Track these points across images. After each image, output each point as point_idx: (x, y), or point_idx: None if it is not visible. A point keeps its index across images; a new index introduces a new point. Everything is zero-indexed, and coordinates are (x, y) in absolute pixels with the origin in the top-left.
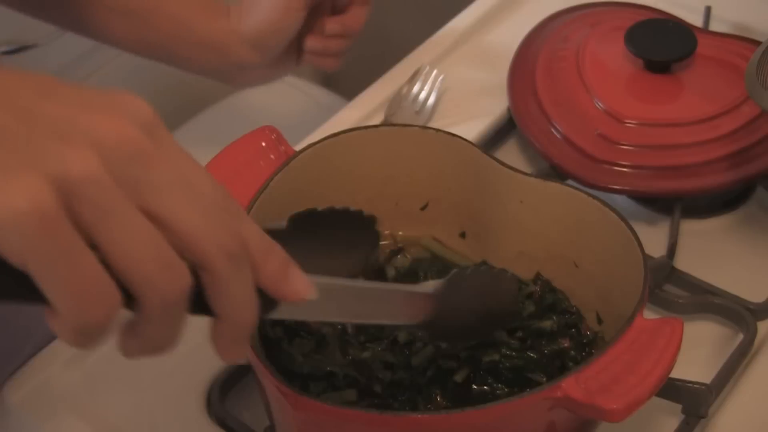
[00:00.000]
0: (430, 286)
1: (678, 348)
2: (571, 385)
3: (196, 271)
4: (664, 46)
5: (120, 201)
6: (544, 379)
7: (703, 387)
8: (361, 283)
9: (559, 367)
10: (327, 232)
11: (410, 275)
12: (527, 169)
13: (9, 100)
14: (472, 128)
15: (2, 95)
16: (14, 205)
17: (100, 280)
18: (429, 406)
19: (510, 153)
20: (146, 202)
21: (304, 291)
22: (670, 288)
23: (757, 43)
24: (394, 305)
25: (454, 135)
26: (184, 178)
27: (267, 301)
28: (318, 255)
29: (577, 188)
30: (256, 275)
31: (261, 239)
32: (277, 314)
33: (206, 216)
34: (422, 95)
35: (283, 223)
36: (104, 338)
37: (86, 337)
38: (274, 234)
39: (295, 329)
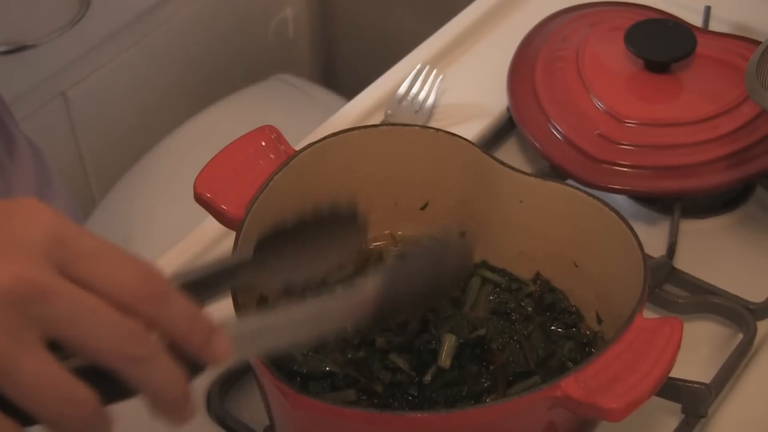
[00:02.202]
0: (370, 283)
1: (678, 347)
2: (571, 385)
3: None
4: (663, 46)
5: (20, 342)
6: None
7: (703, 387)
8: (294, 309)
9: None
10: (310, 235)
11: None
12: (527, 169)
13: None
14: (472, 128)
15: None
16: None
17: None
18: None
19: (510, 153)
20: (50, 331)
21: (224, 355)
22: (670, 288)
23: (757, 42)
24: (334, 316)
25: (453, 134)
26: (87, 298)
27: (193, 366)
28: (306, 260)
29: (576, 188)
30: (183, 347)
31: (186, 314)
32: (205, 372)
33: (112, 327)
34: (422, 95)
35: (249, 254)
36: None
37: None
38: (259, 254)
39: None
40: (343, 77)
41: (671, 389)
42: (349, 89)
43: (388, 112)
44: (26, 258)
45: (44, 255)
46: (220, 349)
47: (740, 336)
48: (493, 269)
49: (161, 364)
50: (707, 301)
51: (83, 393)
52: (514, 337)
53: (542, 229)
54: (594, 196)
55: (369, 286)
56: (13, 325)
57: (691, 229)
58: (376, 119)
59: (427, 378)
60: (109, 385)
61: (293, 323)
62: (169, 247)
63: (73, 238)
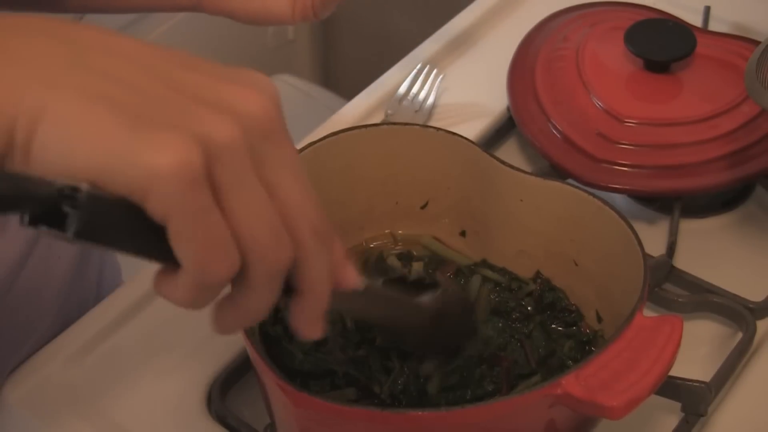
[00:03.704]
0: (431, 297)
1: (678, 345)
2: (571, 383)
3: None
4: (663, 46)
5: (250, 171)
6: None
7: (703, 385)
8: (388, 290)
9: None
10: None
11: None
12: (527, 169)
13: (148, 66)
14: (472, 128)
15: (139, 60)
16: (166, 161)
17: (227, 240)
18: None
19: (509, 152)
20: (266, 173)
21: (355, 281)
22: (670, 287)
23: (756, 42)
24: (406, 314)
25: (454, 134)
26: (295, 160)
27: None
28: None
29: (577, 187)
30: None
31: (331, 228)
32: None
33: (306, 196)
34: (422, 95)
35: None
36: (213, 300)
37: (202, 294)
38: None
39: None
40: (343, 78)
41: (671, 388)
42: (348, 90)
43: (389, 111)
44: (269, 99)
45: (278, 107)
46: (351, 273)
47: (740, 335)
48: (493, 268)
49: (327, 255)
50: (707, 300)
51: (288, 239)
52: (515, 336)
53: (542, 228)
54: (594, 195)
55: (431, 299)
56: (250, 152)
57: (691, 228)
58: (377, 119)
59: (432, 388)
60: None
61: (384, 300)
62: None
63: (276, 136)
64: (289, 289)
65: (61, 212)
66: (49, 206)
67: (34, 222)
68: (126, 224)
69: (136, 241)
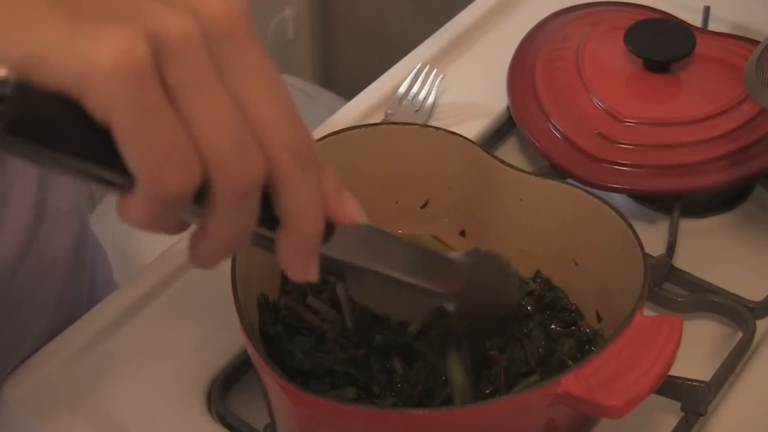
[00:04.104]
0: (462, 259)
1: (678, 344)
2: (572, 382)
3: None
4: (663, 46)
5: (210, 72)
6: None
7: (703, 385)
8: (402, 239)
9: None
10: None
11: None
12: (527, 169)
13: None
14: (472, 127)
15: None
16: (106, 51)
17: (182, 144)
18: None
19: (509, 152)
20: (231, 82)
21: (357, 214)
22: (670, 286)
23: (756, 42)
24: (430, 267)
25: (454, 133)
26: (267, 70)
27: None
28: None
29: (577, 186)
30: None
31: (320, 155)
32: (328, 247)
33: (281, 112)
34: (422, 94)
35: None
36: (175, 219)
37: (160, 212)
38: None
39: (296, 327)
40: (343, 78)
41: (671, 387)
42: (348, 90)
43: (389, 111)
44: (187, 16)
45: (245, 11)
46: (351, 206)
47: (739, 334)
48: None
49: (314, 181)
50: (706, 299)
51: (258, 153)
52: (515, 336)
53: (542, 228)
54: (594, 195)
55: (461, 261)
56: (210, 54)
57: (691, 228)
58: (377, 119)
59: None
60: None
61: (397, 248)
62: (170, 247)
63: (239, 37)
64: (275, 220)
65: None
66: None
67: None
68: (65, 123)
69: (79, 146)
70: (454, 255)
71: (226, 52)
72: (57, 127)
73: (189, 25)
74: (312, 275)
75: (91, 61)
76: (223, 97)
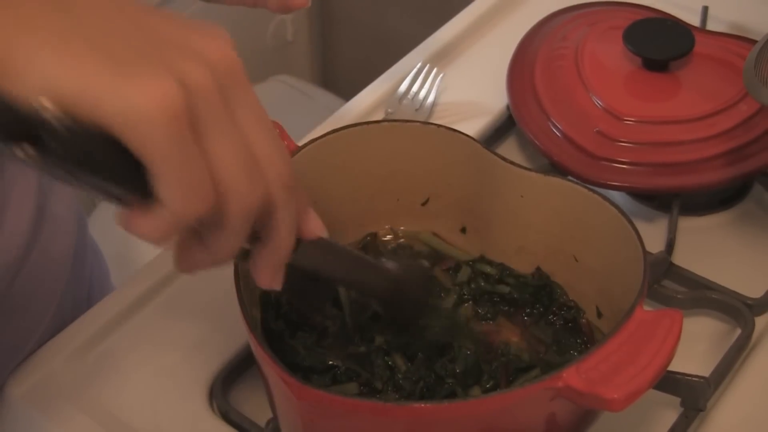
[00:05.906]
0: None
1: (677, 338)
2: (573, 375)
3: None
4: (662, 45)
5: (225, 113)
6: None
7: (702, 380)
8: (354, 251)
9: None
10: None
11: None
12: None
13: (117, 11)
14: (472, 126)
15: (108, 4)
16: (152, 97)
17: (205, 178)
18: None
19: (509, 151)
20: (237, 119)
21: (319, 230)
22: (669, 283)
23: (754, 42)
24: (374, 275)
25: (454, 130)
26: (259, 106)
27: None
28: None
29: (577, 183)
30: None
31: (296, 179)
32: (295, 256)
33: (274, 145)
34: (422, 93)
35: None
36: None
37: (174, 231)
38: None
39: (298, 323)
40: (342, 79)
41: (670, 383)
42: (347, 91)
43: (389, 110)
44: (232, 48)
45: (214, 76)
46: (315, 223)
47: (738, 331)
48: (492, 264)
49: (294, 207)
50: (705, 296)
51: (261, 177)
52: (514, 332)
53: (543, 224)
54: (595, 191)
55: (392, 266)
56: (221, 97)
57: (690, 225)
58: (377, 117)
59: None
60: None
61: (351, 259)
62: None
63: (241, 82)
64: (254, 237)
65: (35, 136)
66: (24, 127)
67: (8, 138)
68: (99, 153)
69: (108, 171)
70: (389, 264)
71: (231, 92)
72: (92, 156)
73: (206, 71)
74: (277, 284)
75: (137, 106)
76: (236, 134)
